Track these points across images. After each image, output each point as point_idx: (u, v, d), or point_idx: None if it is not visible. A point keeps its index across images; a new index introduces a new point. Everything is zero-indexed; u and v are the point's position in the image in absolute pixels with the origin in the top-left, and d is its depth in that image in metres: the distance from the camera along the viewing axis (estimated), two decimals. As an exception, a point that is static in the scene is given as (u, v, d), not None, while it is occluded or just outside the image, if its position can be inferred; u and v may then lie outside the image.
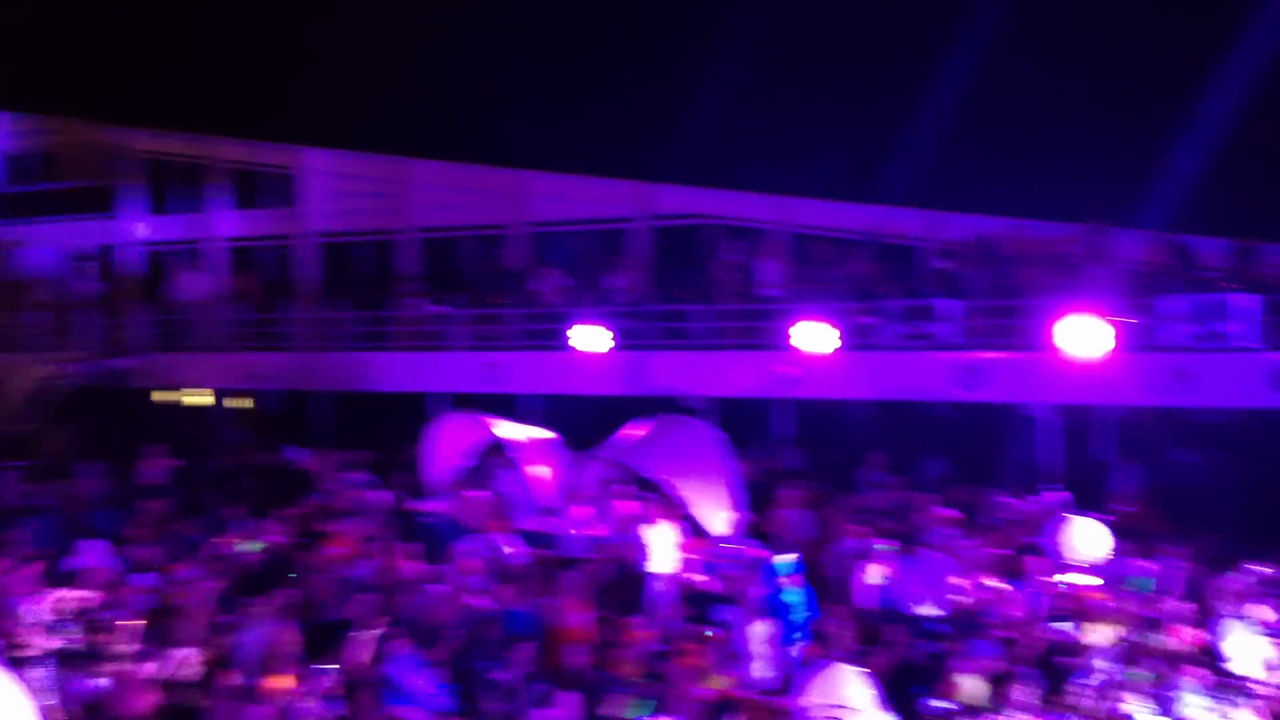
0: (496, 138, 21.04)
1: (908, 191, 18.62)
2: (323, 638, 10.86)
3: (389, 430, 19.26)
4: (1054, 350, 15.55)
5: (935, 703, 9.92)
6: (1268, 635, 11.17)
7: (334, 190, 25.60)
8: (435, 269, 24.19)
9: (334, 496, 16.66)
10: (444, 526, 14.98)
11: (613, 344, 19.22)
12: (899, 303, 17.63)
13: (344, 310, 23.04)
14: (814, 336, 17.43)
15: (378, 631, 10.73)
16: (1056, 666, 10.43)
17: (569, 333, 19.50)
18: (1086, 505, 14.23)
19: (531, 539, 14.69)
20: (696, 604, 12.90)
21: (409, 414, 19.25)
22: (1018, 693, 9.69)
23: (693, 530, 14.46)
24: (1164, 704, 9.85)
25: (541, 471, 16.24)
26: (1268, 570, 12.20)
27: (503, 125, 19.85)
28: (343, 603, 12.01)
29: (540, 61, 20.81)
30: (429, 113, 23.01)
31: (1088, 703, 9.80)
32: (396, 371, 21.83)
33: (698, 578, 13.73)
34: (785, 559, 12.31)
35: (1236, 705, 9.85)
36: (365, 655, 10.46)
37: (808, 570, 12.42)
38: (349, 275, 25.13)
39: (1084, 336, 15.31)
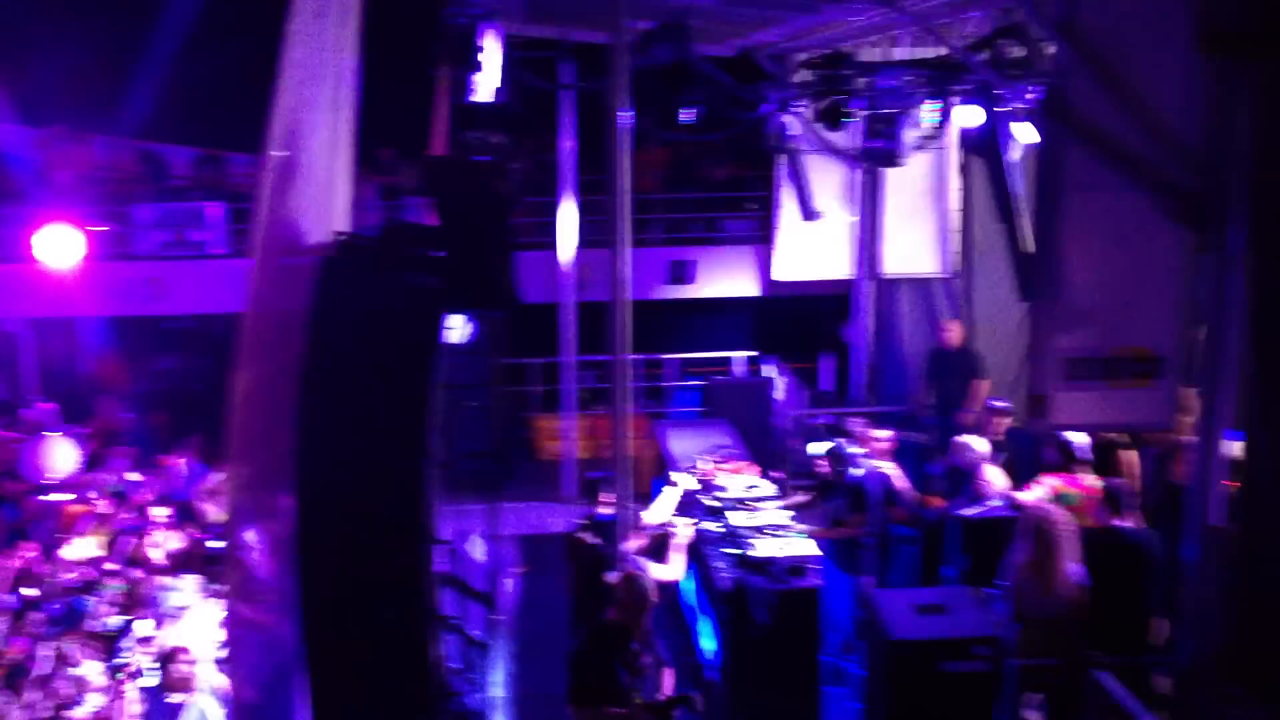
0: None
1: None
2: None
3: None
4: (28, 261, 14.91)
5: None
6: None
7: None
8: None
9: None
10: None
11: None
12: None
13: None
14: None
15: None
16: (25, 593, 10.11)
17: None
18: (70, 419, 13.99)
19: None
20: None
21: None
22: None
23: None
24: (157, 607, 10.05)
25: None
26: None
27: None
28: None
29: None
30: None
31: (86, 623, 9.64)
32: None
33: None
34: None
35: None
36: None
37: None
38: None
39: (57, 246, 14.88)
